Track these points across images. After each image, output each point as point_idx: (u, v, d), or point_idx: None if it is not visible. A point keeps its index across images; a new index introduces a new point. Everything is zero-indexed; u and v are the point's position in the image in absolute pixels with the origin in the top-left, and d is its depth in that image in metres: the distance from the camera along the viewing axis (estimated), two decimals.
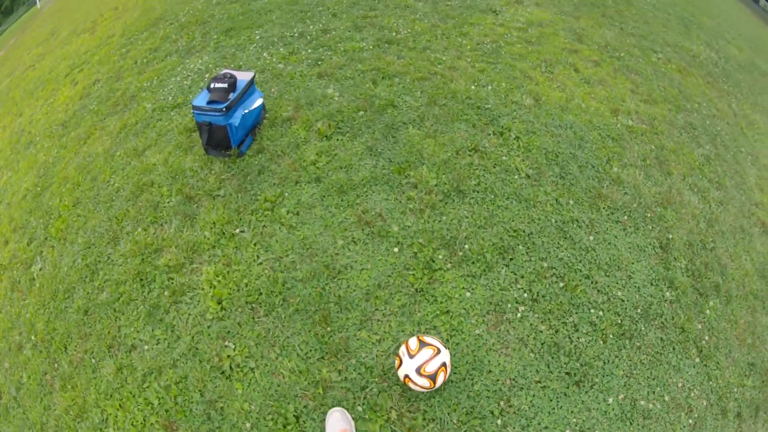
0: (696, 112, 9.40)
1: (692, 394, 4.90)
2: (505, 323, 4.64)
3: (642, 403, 4.57)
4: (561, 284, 5.10)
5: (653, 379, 4.80)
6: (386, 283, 4.85)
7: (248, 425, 4.09)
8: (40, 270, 6.07)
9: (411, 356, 3.86)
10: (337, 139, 6.56)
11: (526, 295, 4.90)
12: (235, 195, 5.92)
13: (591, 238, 5.70)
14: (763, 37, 25.30)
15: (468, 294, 4.78)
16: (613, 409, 4.39)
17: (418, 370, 3.80)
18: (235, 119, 6.23)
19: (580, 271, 5.30)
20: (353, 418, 4.00)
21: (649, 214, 6.37)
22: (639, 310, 5.28)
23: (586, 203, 6.08)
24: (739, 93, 11.43)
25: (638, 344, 4.98)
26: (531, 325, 4.68)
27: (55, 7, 30.74)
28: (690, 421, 4.67)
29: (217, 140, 6.42)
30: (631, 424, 4.40)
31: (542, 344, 4.59)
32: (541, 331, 4.66)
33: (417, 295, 4.75)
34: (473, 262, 5.06)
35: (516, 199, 5.82)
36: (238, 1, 11.74)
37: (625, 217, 6.17)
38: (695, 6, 17.71)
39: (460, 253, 5.12)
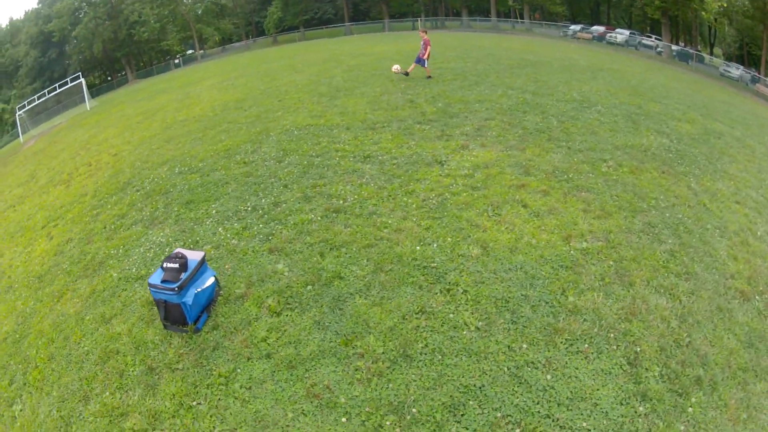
0: (654, 209, 9.64)
1: None
2: None
3: None
4: (518, 430, 5.13)
5: None
6: None
7: None
8: (21, 411, 6.29)
9: None
10: (287, 315, 6.75)
11: None
12: (192, 369, 6.06)
13: (548, 377, 5.68)
14: (713, 96, 26.47)
15: None
16: None
17: None
18: (189, 298, 6.49)
19: (539, 413, 5.27)
20: None
21: (612, 335, 6.37)
22: None
23: (542, 342, 6.10)
24: (696, 169, 11.76)
25: None
26: None
27: (35, 147, 32.73)
28: None
29: (174, 317, 6.65)
30: None
31: None
32: None
33: None
34: (423, 424, 5.08)
35: (466, 355, 5.89)
36: (198, 171, 12.54)
37: (586, 346, 6.18)
38: (641, 96, 18.71)
39: (408, 417, 5.15)
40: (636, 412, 5.41)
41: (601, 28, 59.43)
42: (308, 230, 8.75)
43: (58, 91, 52.06)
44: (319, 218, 9.15)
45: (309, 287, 7.24)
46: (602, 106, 16.19)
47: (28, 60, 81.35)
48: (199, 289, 6.66)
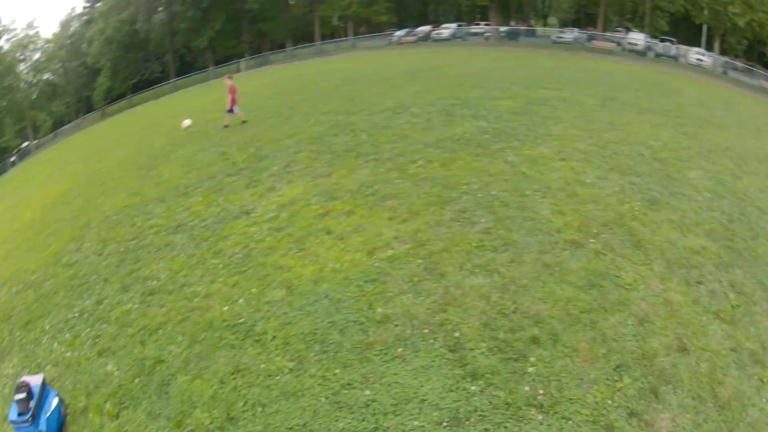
0: (465, 194, 10.27)
1: None
2: None
3: None
4: None
5: None
6: None
7: None
8: None
9: None
10: (124, 415, 6.79)
11: None
12: None
13: (367, 392, 5.92)
14: (541, 65, 29.15)
15: None
16: None
17: None
18: (43, 425, 6.46)
19: (366, 428, 5.51)
20: None
21: (426, 330, 6.71)
22: (446, 422, 5.49)
23: (356, 362, 6.37)
24: (515, 141, 12.58)
25: None
26: None
27: None
28: None
29: None
30: None
31: None
32: None
33: None
34: None
35: (284, 399, 6.14)
36: (32, 286, 12.00)
37: (400, 350, 6.46)
38: (460, 86, 20.16)
39: None
40: (469, 393, 5.78)
41: (426, 28, 60.79)
42: (128, 321, 8.75)
43: None
44: (137, 306, 9.14)
45: (136, 380, 7.31)
46: (417, 107, 17.12)
47: None
48: (47, 414, 6.62)
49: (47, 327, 9.86)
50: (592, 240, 8.62)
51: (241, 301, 8.30)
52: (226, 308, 8.22)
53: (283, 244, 9.60)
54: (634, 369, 6.27)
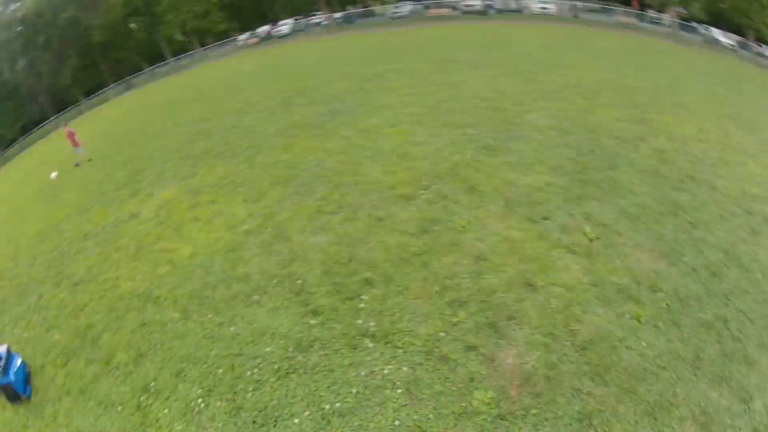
0: (304, 171, 12.18)
1: (386, 372, 6.38)
2: (196, 416, 7.65)
3: (326, 407, 6.17)
4: (220, 371, 7.46)
5: (334, 383, 6.46)
6: (122, 429, 7.93)
7: None
8: None
9: None
10: (71, 364, 9.60)
11: (200, 391, 7.88)
12: (36, 423, 8.78)
13: (232, 329, 7.95)
14: (372, 46, 30.43)
15: (166, 410, 7.95)
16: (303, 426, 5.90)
17: None
18: (12, 376, 9.21)
19: (232, 353, 7.59)
20: None
21: (276, 280, 8.56)
22: (291, 348, 7.00)
23: (224, 308, 8.56)
24: (349, 118, 14.11)
25: (303, 371, 6.70)
26: (214, 407, 7.54)
27: None
28: (399, 390, 6.11)
29: (11, 395, 9.27)
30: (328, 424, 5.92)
31: (226, 414, 7.02)
32: (221, 408, 7.43)
33: (139, 427, 7.88)
34: (161, 390, 8.18)
35: (177, 339, 8.70)
36: None
37: (257, 297, 8.30)
38: (293, 79, 22.05)
39: (151, 390, 8.33)
40: (310, 325, 7.15)
41: (266, 28, 60.29)
42: (64, 305, 11.63)
43: None
44: (68, 294, 12.13)
45: (75, 341, 9.95)
46: (260, 104, 19.24)
47: None
48: (14, 369, 9.36)
49: (6, 321, 12.36)
50: (422, 192, 9.67)
51: (139, 277, 10.65)
52: (129, 284, 10.78)
53: (166, 234, 11.92)
54: (470, 305, 6.76)
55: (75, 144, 22.97)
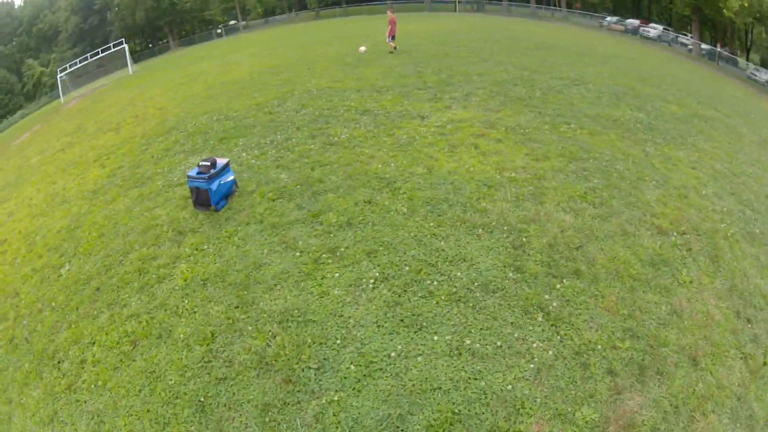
0: (594, 159, 11.87)
1: (534, 346, 6.61)
2: (358, 292, 7.91)
3: (467, 340, 6.65)
4: (406, 268, 8.06)
5: (486, 329, 6.82)
6: (286, 271, 8.38)
7: None
8: (68, 270, 10.18)
9: None
10: (279, 201, 10.50)
11: (378, 274, 8.14)
12: (208, 231, 9.92)
13: (442, 243, 8.51)
14: (726, 91, 28.51)
15: (337, 275, 8.20)
16: (439, 345, 6.60)
17: None
18: (214, 185, 10.34)
19: (426, 261, 8.11)
20: None
21: (506, 228, 8.86)
22: (479, 284, 7.54)
23: (447, 225, 9.00)
24: (660, 138, 13.90)
25: (472, 305, 7.21)
26: (379, 293, 7.87)
27: (79, 106, 38.18)
28: (531, 365, 6.36)
29: (202, 200, 10.49)
30: (458, 357, 6.42)
31: (384, 302, 7.68)
32: (386, 296, 7.80)
33: (306, 278, 8.18)
34: (347, 260, 8.48)
35: (390, 227, 9.22)
36: (232, 119, 16.67)
37: (480, 231, 8.79)
38: (642, 81, 21.33)
39: (338, 255, 8.62)
40: (506, 277, 7.78)
41: (636, 22, 60.81)
42: (306, 155, 12.62)
43: (101, 55, 57.04)
44: (317, 148, 13.02)
45: (298, 186, 11.01)
46: (593, 84, 18.97)
47: (68, 26, 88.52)
48: (222, 181, 10.54)
49: (240, 143, 14.13)
50: (675, 233, 9.59)
51: (392, 165, 11.62)
52: (380, 166, 11.61)
53: (440, 144, 12.64)
54: (648, 341, 7.49)
55: (391, 33, 25.64)
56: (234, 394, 6.37)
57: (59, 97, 54.19)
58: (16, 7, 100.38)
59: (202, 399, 6.39)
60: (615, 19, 62.73)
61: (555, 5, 74.74)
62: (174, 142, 15.87)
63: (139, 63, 62.53)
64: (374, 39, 32.55)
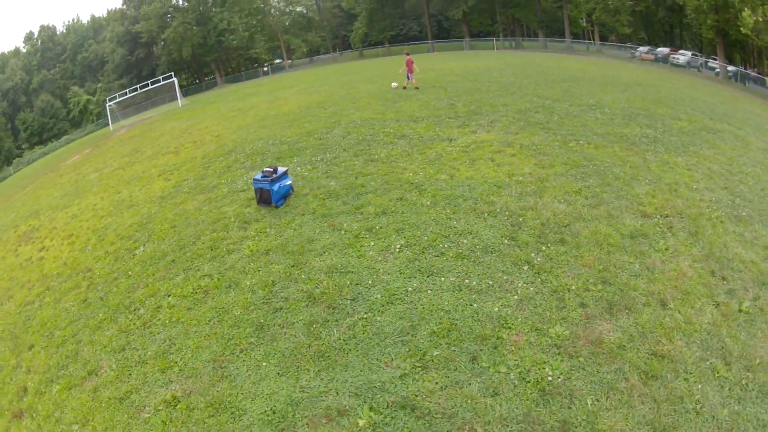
0: (594, 165, 13.92)
1: (519, 285, 8.72)
2: (387, 254, 10.48)
3: (467, 281, 8.92)
4: (425, 238, 10.51)
5: (482, 274, 9.07)
6: (333, 243, 11.08)
7: None
8: (142, 251, 13.09)
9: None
10: (328, 200, 13.36)
11: (404, 243, 10.70)
12: (269, 220, 12.83)
13: (455, 223, 10.92)
14: (744, 108, 30.30)
15: (372, 244, 10.82)
16: (445, 284, 8.92)
17: None
18: (275, 186, 13.34)
19: (441, 234, 10.55)
20: None
21: (508, 212, 11.11)
22: (480, 247, 9.84)
23: (460, 212, 11.41)
24: (662, 148, 15.79)
25: (473, 260, 9.49)
26: (403, 254, 10.36)
27: (131, 133, 42.70)
28: (515, 298, 8.44)
29: (265, 199, 13.47)
30: (459, 292, 8.70)
31: (406, 259, 10.14)
32: (408, 255, 10.28)
33: (348, 247, 10.84)
34: (380, 236, 11.10)
35: (416, 214, 11.83)
36: (286, 143, 19.92)
37: (486, 215, 11.13)
38: (658, 104, 23.51)
39: (373, 232, 11.27)
40: (502, 243, 10.04)
41: (665, 50, 63.06)
42: (352, 168, 15.59)
43: (150, 87, 61.05)
44: (360, 164, 15.98)
45: (344, 190, 13.90)
46: (609, 108, 21.42)
47: (115, 57, 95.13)
48: (281, 184, 13.58)
49: (295, 161, 17.22)
50: (659, 216, 11.25)
51: (421, 174, 14.41)
52: (411, 175, 14.43)
53: (462, 159, 15.33)
54: (618, 287, 9.02)
55: (410, 71, 29.67)
56: (287, 318, 8.91)
57: (108, 125, 58.46)
58: (57, 32, 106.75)
59: (262, 321, 8.94)
60: (646, 48, 65.61)
61: (590, 39, 78.19)
62: (234, 161, 19.00)
63: (187, 97, 67.19)
64: (418, 76, 35.55)
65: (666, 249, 10.02)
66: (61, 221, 19.13)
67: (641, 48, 66.27)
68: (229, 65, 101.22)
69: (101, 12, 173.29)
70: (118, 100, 61.24)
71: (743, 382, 7.10)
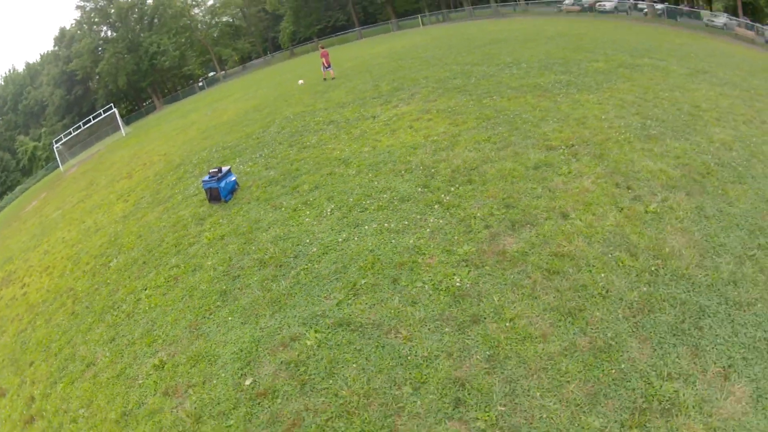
0: (503, 115, 15.51)
1: (430, 220, 10.49)
2: (321, 218, 12.12)
3: (387, 225, 10.76)
4: (351, 200, 12.38)
5: (399, 218, 10.88)
6: (275, 219, 12.84)
7: None
8: (115, 262, 14.77)
9: None
10: (269, 187, 15.22)
11: (333, 206, 12.21)
12: (221, 213, 14.68)
13: (376, 183, 12.86)
14: (671, 41, 32.21)
15: (308, 213, 12.66)
16: (369, 231, 10.76)
17: None
18: (222, 184, 15.21)
19: (364, 194, 12.41)
20: None
21: (422, 168, 12.92)
22: (397, 198, 11.72)
23: (382, 174, 13.27)
24: (574, 90, 17.08)
25: (392, 209, 11.34)
26: (334, 215, 11.89)
27: (82, 169, 44.02)
28: (428, 231, 10.19)
29: (215, 196, 15.36)
30: (380, 234, 10.51)
31: (336, 219, 11.71)
32: (337, 216, 11.75)
33: (288, 220, 12.62)
34: (313, 205, 12.76)
35: (343, 183, 13.34)
36: (228, 148, 21.79)
37: (403, 172, 12.97)
38: (577, 51, 25.45)
39: (308, 204, 13.04)
40: (416, 192, 11.88)
41: None
42: (287, 157, 17.52)
43: (92, 122, 62.29)
44: (294, 152, 17.91)
45: (282, 176, 15.81)
46: (525, 63, 23.24)
47: (54, 99, 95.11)
48: (227, 181, 15.47)
49: (237, 161, 19.06)
50: (563, 147, 12.54)
51: (347, 150, 16.41)
52: (338, 153, 16.42)
53: (384, 131, 17.28)
54: (522, 213, 11.72)
55: (326, 64, 32.82)
56: (244, 281, 10.76)
57: (58, 166, 59.30)
58: None
59: (224, 288, 10.79)
60: (571, 0, 66.04)
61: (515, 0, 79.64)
62: (183, 173, 20.83)
63: (129, 125, 68.54)
64: (342, 66, 38.27)
65: (569, 172, 11.36)
66: (35, 259, 20.46)
67: (567, 1, 66.61)
68: (165, 86, 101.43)
69: (35, 58, 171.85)
70: (63, 140, 61.79)
71: (653, 268, 8.13)
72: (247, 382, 8.08)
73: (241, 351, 8.79)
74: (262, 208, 13.84)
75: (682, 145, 12.27)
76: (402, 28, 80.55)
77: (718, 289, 7.61)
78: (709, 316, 7.12)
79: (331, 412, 6.98)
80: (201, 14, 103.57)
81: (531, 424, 6.05)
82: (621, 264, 8.30)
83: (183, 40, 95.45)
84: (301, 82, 34.35)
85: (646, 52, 24.65)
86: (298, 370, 7.93)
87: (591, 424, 5.89)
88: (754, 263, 8.14)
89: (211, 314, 10.17)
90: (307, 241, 11.41)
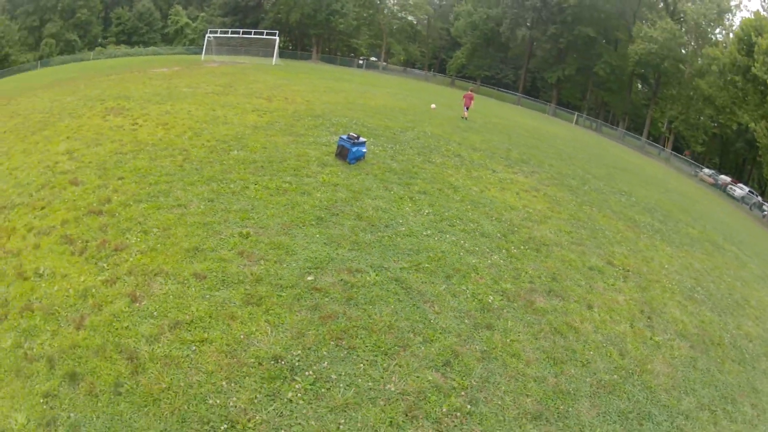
0: (592, 225, 17.96)
1: (494, 257, 12.51)
2: (417, 213, 14.99)
3: (463, 243, 12.89)
4: (446, 214, 14.84)
5: (475, 244, 12.97)
6: (382, 195, 15.90)
7: None
8: (236, 153, 17.94)
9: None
10: (388, 173, 18.13)
11: (431, 211, 15.01)
12: (342, 168, 17.84)
13: (470, 215, 14.96)
14: (762, 244, 33.84)
15: (410, 205, 15.55)
16: (448, 239, 13.48)
17: None
18: (354, 148, 18.54)
19: (457, 216, 14.79)
20: None
21: (509, 223, 15.22)
22: (480, 232, 13.78)
23: (478, 212, 15.52)
24: (658, 237, 19.49)
25: (472, 236, 13.49)
26: (428, 217, 14.63)
27: (221, 69, 47.85)
28: (489, 262, 12.27)
29: (343, 154, 18.69)
30: (455, 246, 13.17)
31: (428, 220, 14.22)
32: (431, 218, 14.41)
33: (392, 202, 15.59)
34: (416, 202, 15.55)
35: (446, 201, 16.04)
36: (367, 128, 25.60)
37: (493, 218, 15.17)
38: (684, 211, 28.05)
39: (413, 200, 15.85)
40: (494, 234, 13.99)
41: (727, 179, 66.70)
42: (412, 162, 20.86)
43: (251, 36, 66.30)
44: (419, 162, 21.17)
45: (401, 171, 18.74)
46: (635, 198, 25.54)
47: None
48: (359, 149, 18.74)
49: (370, 141, 21.99)
50: (621, 268, 13.54)
51: (461, 182, 19.45)
52: (453, 180, 19.60)
53: (496, 185, 19.99)
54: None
55: (466, 105, 37.08)
56: (339, 220, 13.54)
57: (200, 54, 63.60)
58: None
59: (322, 216, 13.66)
60: (709, 172, 69.08)
61: (664, 145, 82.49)
62: (321, 123, 24.33)
63: (281, 59, 72.47)
64: (490, 119, 41.46)
65: (612, 285, 13.65)
66: (155, 112, 24.06)
67: (705, 170, 70.07)
68: (328, 45, 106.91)
69: None
70: (218, 34, 66.45)
71: (630, 369, 10.47)
72: (309, 278, 11.09)
73: (315, 258, 11.78)
74: (375, 183, 16.75)
75: (712, 317, 14.14)
76: (557, 115, 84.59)
77: (670, 410, 9.83)
78: (652, 422, 9.34)
79: (359, 324, 9.89)
80: (392, 2, 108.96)
81: (488, 403, 8.70)
82: (608, 355, 10.64)
83: (365, 14, 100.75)
84: (433, 106, 38.31)
85: (740, 243, 26.55)
86: (351, 289, 10.91)
87: None
88: (710, 414, 10.11)
89: (303, 226, 13.20)
90: (400, 221, 14.28)
